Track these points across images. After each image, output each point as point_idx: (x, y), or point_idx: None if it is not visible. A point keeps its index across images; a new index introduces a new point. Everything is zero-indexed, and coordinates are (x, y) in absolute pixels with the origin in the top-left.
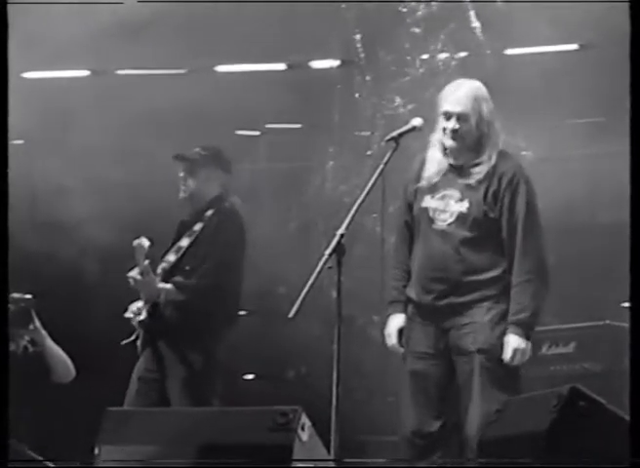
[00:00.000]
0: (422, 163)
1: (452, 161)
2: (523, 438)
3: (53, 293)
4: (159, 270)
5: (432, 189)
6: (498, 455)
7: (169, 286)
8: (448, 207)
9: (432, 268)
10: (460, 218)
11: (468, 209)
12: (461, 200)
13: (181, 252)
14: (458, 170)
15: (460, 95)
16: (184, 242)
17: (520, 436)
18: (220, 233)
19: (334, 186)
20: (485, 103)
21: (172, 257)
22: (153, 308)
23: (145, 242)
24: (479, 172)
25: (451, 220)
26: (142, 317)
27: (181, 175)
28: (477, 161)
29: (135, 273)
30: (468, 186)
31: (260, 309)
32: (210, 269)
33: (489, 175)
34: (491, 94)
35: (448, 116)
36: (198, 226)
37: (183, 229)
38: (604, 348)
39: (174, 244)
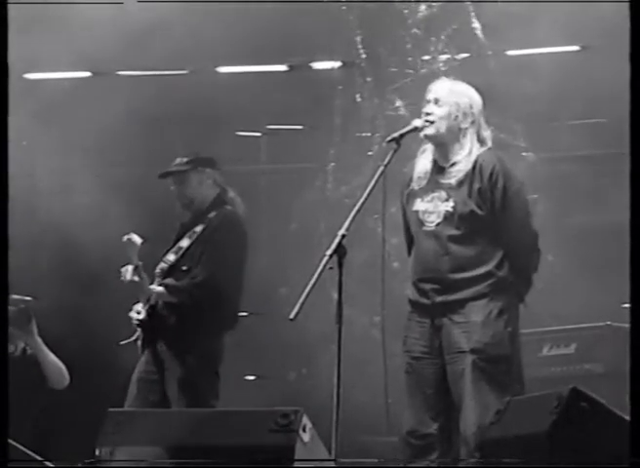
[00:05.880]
0: (413, 167)
1: (437, 161)
2: (523, 439)
3: (53, 294)
4: (158, 270)
5: (422, 192)
6: (498, 456)
7: (160, 289)
8: (436, 208)
9: (423, 269)
10: (448, 218)
11: (454, 207)
12: (447, 200)
13: (181, 252)
14: (442, 171)
15: (440, 84)
16: (185, 242)
17: (521, 437)
18: (220, 235)
19: (335, 187)
20: (465, 99)
21: (171, 257)
22: (152, 309)
23: (137, 238)
24: (458, 170)
25: (439, 221)
26: (141, 316)
27: (173, 188)
28: (455, 160)
29: (128, 274)
30: (452, 186)
31: (262, 310)
32: (205, 270)
33: (470, 173)
34: (492, 94)
35: (427, 101)
36: (199, 228)
37: (184, 230)
38: (605, 349)
39: (174, 244)
